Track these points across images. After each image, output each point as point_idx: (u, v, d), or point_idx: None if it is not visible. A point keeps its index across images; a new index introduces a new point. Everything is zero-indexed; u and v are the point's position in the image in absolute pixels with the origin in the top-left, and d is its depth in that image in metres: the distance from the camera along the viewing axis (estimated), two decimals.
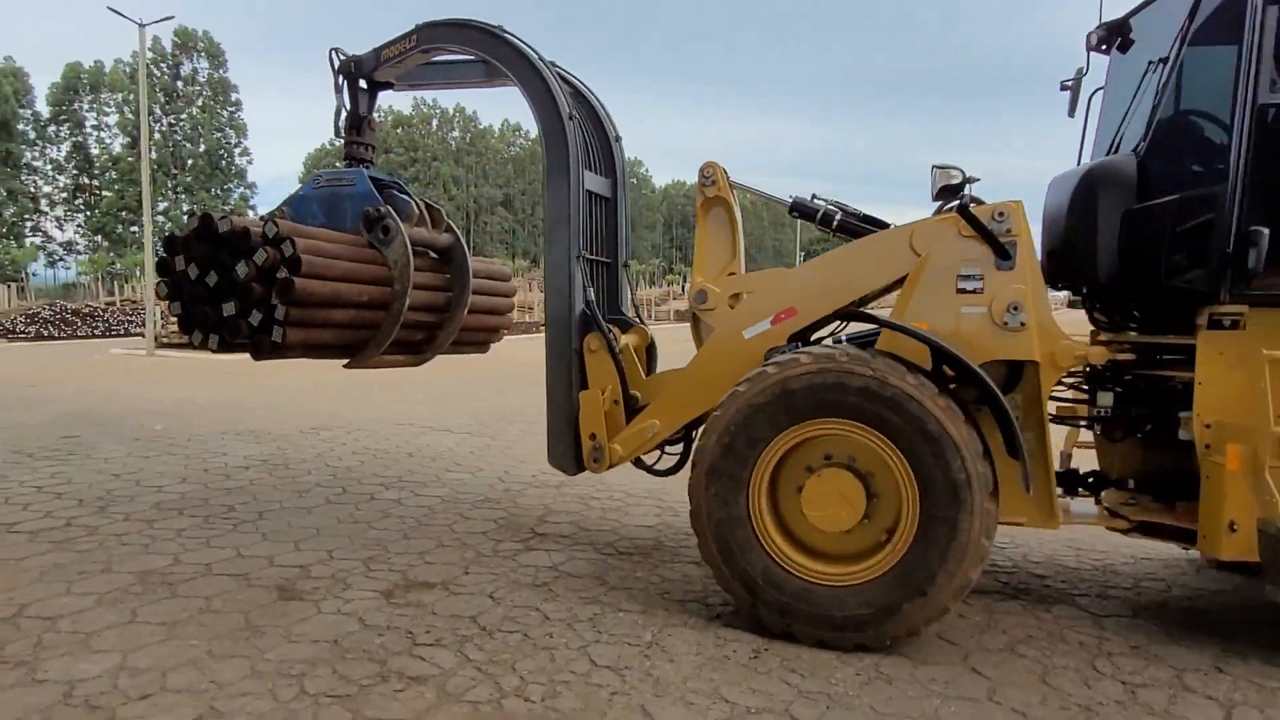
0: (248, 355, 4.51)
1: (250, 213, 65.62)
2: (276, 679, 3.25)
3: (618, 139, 5.36)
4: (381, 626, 3.77)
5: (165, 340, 21.93)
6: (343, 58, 5.31)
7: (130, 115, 63.74)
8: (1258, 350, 3.49)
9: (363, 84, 5.37)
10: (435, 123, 78.72)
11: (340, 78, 5.32)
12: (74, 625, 3.73)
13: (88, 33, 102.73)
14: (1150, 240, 3.78)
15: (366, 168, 5.30)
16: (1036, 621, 4.00)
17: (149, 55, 66.05)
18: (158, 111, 65.33)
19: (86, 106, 64.57)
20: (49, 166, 62.97)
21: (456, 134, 79.42)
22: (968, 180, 3.90)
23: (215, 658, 3.43)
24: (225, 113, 65.65)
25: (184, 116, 64.65)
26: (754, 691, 3.25)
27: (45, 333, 27.41)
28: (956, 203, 3.84)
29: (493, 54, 4.89)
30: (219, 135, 65.22)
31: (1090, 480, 4.36)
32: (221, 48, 65.16)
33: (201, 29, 65.67)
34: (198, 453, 7.76)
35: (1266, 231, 3.40)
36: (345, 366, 5.18)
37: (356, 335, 4.91)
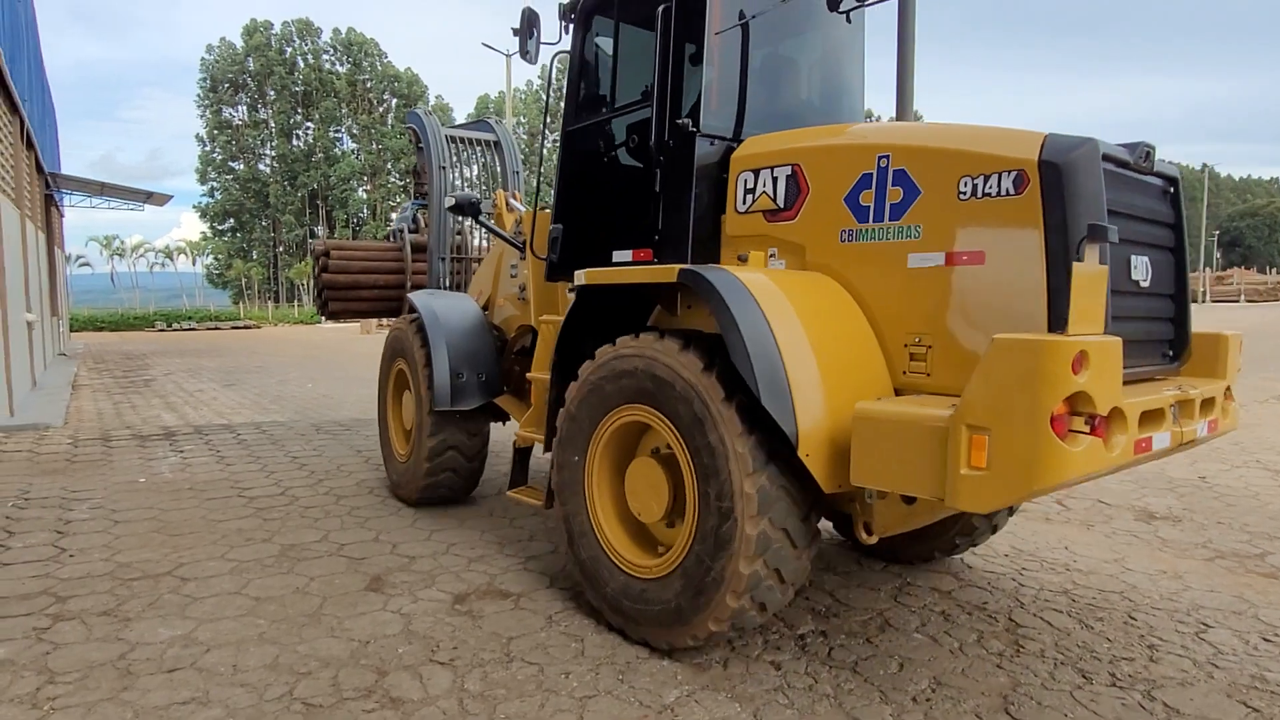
0: None
1: None
2: (281, 675, 3.24)
3: (515, 172, 7.60)
4: (419, 634, 3.61)
5: None
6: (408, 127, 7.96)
7: (524, 136, 73.68)
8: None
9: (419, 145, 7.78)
10: None
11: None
12: (194, 589, 4.14)
13: (496, 69, 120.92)
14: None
15: (421, 199, 7.77)
16: None
17: (539, 81, 75.55)
18: (546, 131, 74.26)
19: None
20: (463, 185, 75.19)
21: None
22: (476, 200, 5.46)
23: (260, 641, 3.55)
24: None
25: None
26: None
27: None
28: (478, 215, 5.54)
29: (417, 127, 7.36)
30: None
31: None
32: None
33: None
34: None
35: (561, 228, 4.56)
36: (389, 323, 7.75)
37: (387, 305, 7.54)
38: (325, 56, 69.59)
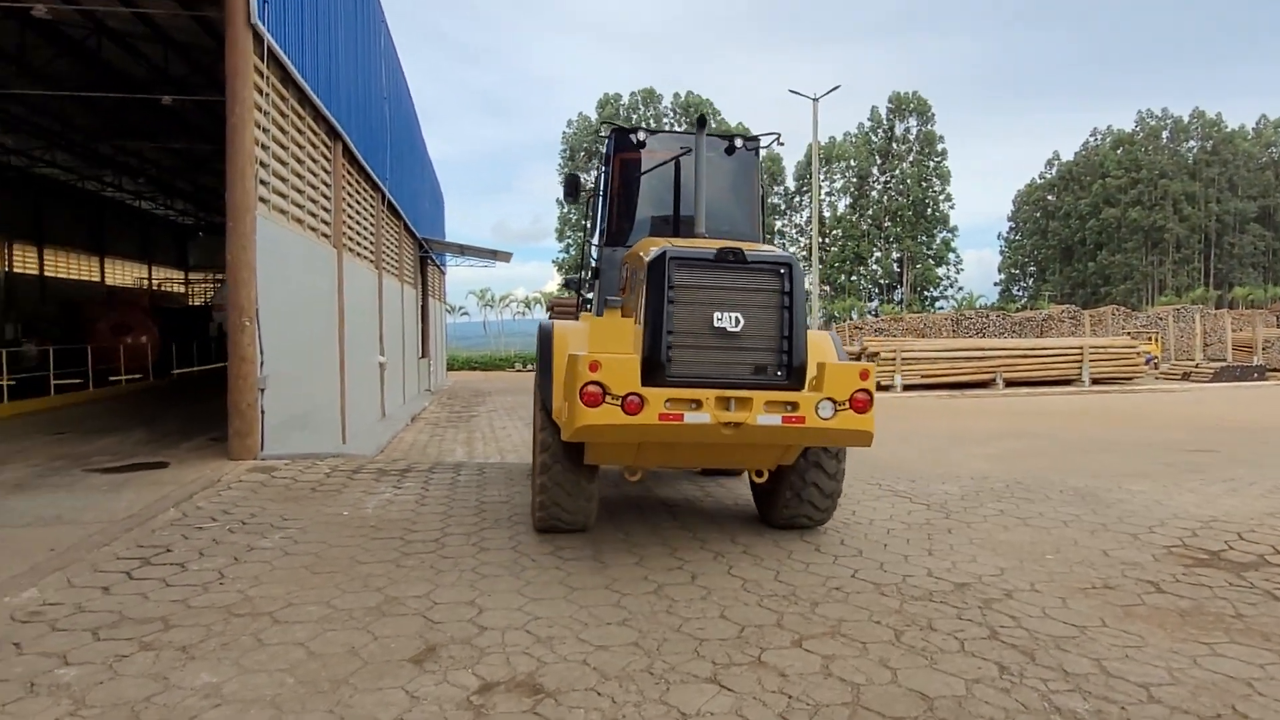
0: None
1: (951, 255, 68.49)
2: None
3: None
4: None
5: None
6: None
7: (852, 180, 72.32)
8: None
9: None
10: (1166, 135, 67.95)
11: None
12: (272, 634, 4.19)
13: (831, 115, 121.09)
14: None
15: None
16: None
17: (868, 123, 73.79)
18: (875, 172, 72.52)
19: (822, 177, 75.78)
20: (794, 230, 75.79)
21: (1193, 144, 66.99)
22: (575, 278, 8.68)
23: (266, 705, 3.41)
24: (931, 163, 68.94)
25: (895, 173, 70.22)
26: None
27: None
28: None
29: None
30: (925, 185, 68.80)
31: None
32: (929, 104, 68.72)
33: (912, 89, 70.41)
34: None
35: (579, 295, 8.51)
36: None
37: None
38: (665, 120, 75.04)
